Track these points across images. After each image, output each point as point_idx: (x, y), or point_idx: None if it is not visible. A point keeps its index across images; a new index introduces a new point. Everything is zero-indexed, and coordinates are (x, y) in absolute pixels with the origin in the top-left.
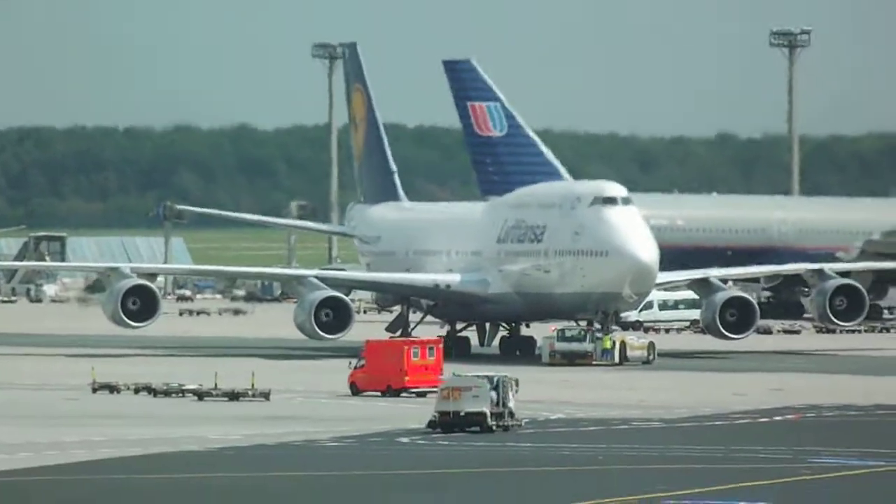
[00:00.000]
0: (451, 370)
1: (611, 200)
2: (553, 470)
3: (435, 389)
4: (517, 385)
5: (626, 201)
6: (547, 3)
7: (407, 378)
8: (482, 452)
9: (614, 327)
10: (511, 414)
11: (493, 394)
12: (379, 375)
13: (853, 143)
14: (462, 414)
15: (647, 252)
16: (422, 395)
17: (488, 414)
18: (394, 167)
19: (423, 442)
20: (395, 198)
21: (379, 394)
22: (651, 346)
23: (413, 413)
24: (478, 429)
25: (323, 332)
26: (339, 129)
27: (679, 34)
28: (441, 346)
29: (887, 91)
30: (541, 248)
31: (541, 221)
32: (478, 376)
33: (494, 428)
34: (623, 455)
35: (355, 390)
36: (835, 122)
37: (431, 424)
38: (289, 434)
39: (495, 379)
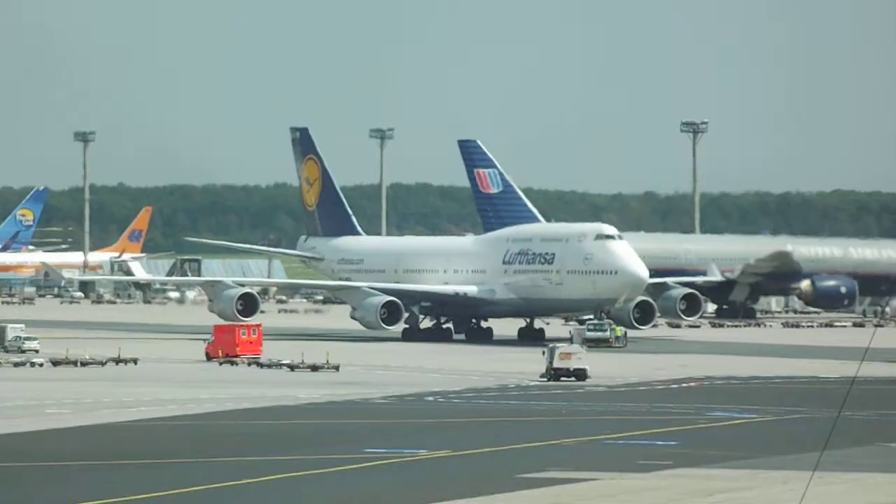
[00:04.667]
0: (472, 351)
1: (610, 237)
2: (533, 420)
3: (257, 357)
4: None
5: (620, 237)
6: (527, 101)
7: (238, 349)
8: (495, 407)
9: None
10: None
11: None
12: (221, 347)
13: (736, 199)
14: (572, 369)
15: (643, 271)
16: (259, 364)
17: (588, 368)
18: (350, 211)
19: (442, 400)
20: (355, 232)
21: (225, 358)
22: (625, 334)
23: (441, 380)
24: (574, 378)
25: (385, 325)
26: (388, 187)
27: (620, 126)
28: (260, 328)
29: (761, 163)
30: (552, 269)
31: (548, 250)
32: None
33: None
34: (579, 410)
35: (209, 357)
36: (724, 184)
37: (544, 376)
38: (352, 394)
39: (584, 349)
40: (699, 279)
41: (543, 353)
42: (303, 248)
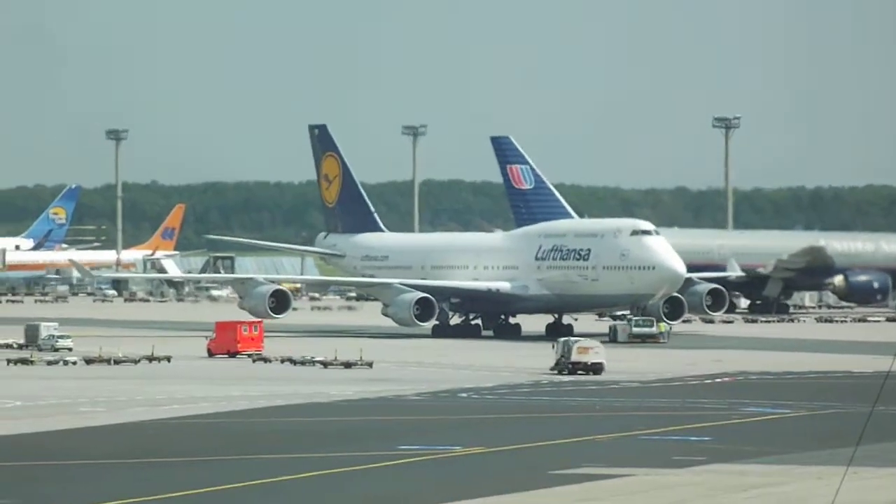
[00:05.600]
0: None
1: (647, 232)
2: (566, 416)
3: (259, 353)
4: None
5: (657, 232)
6: (560, 97)
7: (239, 345)
8: (528, 403)
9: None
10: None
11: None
12: (223, 344)
13: (769, 194)
14: (589, 363)
15: (681, 267)
16: (262, 359)
17: (604, 363)
18: (372, 208)
19: (476, 396)
20: (377, 229)
21: (226, 355)
22: (669, 330)
23: (471, 376)
24: (591, 373)
25: (419, 321)
26: (420, 183)
27: (653, 122)
28: (262, 325)
29: (794, 158)
30: (587, 264)
31: (583, 246)
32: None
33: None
34: (613, 405)
35: (210, 354)
36: (757, 180)
37: (554, 369)
38: (385, 391)
39: (601, 344)
40: (732, 275)
41: (553, 346)
42: (322, 244)
